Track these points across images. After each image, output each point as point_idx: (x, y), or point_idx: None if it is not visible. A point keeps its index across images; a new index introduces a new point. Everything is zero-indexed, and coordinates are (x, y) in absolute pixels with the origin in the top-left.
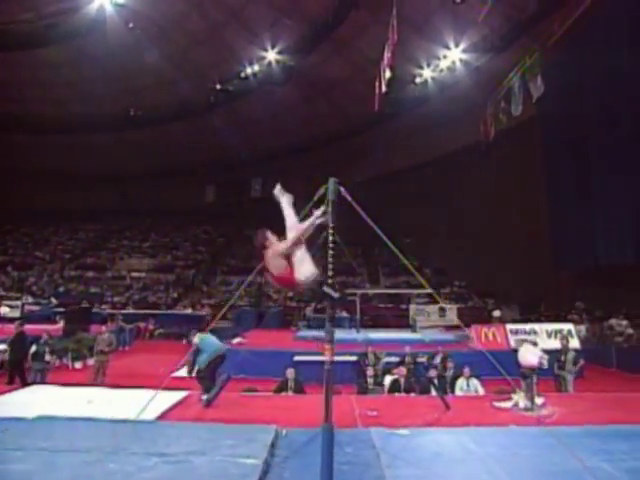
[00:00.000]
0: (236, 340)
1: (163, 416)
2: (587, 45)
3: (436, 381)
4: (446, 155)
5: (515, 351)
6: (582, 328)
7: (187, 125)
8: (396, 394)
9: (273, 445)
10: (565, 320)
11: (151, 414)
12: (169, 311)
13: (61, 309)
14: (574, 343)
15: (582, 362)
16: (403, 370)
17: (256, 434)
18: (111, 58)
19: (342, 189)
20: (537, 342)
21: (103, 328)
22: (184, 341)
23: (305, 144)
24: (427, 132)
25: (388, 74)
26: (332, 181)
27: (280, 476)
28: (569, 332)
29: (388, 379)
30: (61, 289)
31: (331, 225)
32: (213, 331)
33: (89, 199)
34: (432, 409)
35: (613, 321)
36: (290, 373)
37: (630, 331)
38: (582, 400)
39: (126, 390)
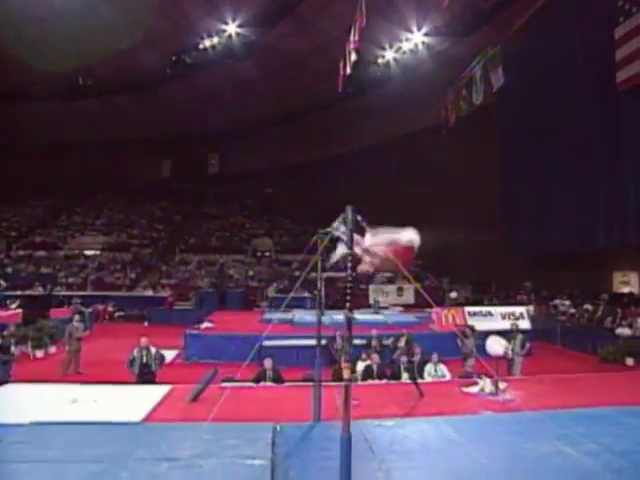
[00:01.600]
0: (204, 325)
1: (152, 414)
2: (544, 36)
3: (406, 366)
4: (405, 136)
5: (455, 335)
6: (530, 308)
7: (141, 96)
8: (369, 381)
9: (274, 443)
10: (515, 300)
11: (139, 412)
12: (129, 293)
13: (11, 292)
14: (525, 324)
15: (529, 345)
16: (376, 357)
17: (256, 432)
18: (56, 22)
19: (359, 217)
20: (475, 328)
21: (76, 317)
22: (145, 323)
23: (264, 121)
24: (387, 113)
25: (354, 57)
26: (349, 210)
27: (286, 475)
28: (521, 314)
29: (360, 365)
30: (9, 270)
31: (349, 252)
32: None
33: (35, 172)
34: (407, 396)
35: (557, 301)
36: (268, 362)
37: (572, 311)
38: (539, 383)
39: (109, 386)
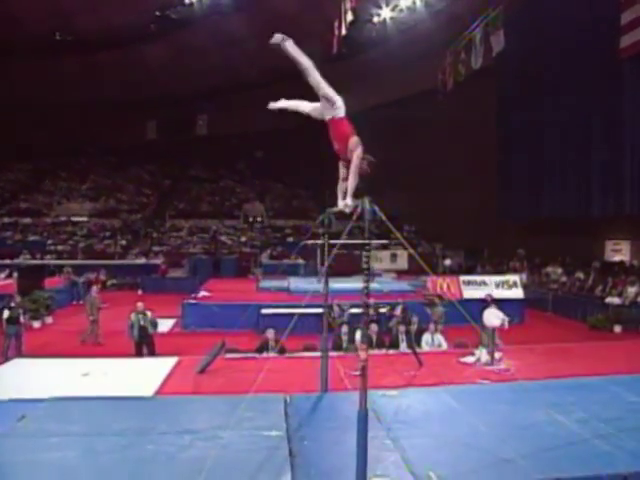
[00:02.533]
0: (201, 294)
1: (164, 387)
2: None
3: (404, 336)
4: (400, 99)
5: (423, 304)
6: (523, 276)
7: (123, 54)
8: (369, 350)
9: (286, 414)
10: (507, 267)
11: (150, 385)
12: (121, 261)
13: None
14: (518, 293)
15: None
16: (375, 327)
17: (269, 404)
18: None
19: (377, 208)
20: (443, 297)
21: (94, 288)
22: (139, 291)
23: (254, 80)
24: (382, 74)
25: (350, 17)
26: (367, 201)
27: (301, 445)
28: (515, 282)
29: (359, 334)
30: None
31: (368, 248)
32: None
33: (15, 134)
34: (407, 366)
35: (550, 269)
36: (270, 333)
37: (564, 279)
38: (532, 353)
39: (118, 359)
